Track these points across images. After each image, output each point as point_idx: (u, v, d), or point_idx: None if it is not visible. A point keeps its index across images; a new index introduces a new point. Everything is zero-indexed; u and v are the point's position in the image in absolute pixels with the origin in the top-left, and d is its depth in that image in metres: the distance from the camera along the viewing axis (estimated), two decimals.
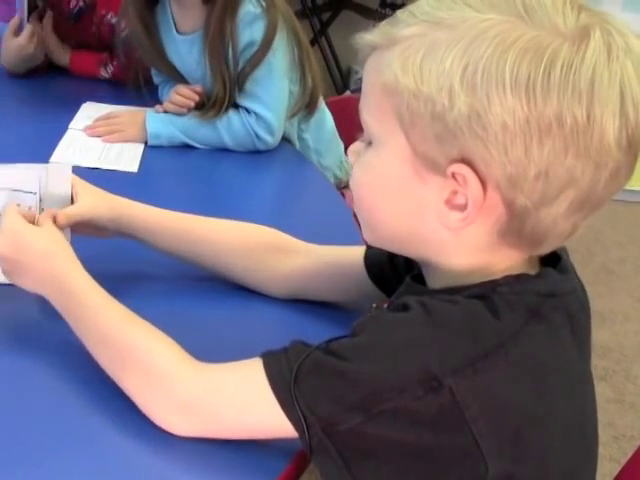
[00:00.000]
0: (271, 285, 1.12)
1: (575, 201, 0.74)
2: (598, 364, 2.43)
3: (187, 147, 1.72)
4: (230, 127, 1.71)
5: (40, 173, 1.08)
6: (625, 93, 0.71)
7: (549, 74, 0.70)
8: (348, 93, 3.58)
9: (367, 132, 0.80)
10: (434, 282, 0.83)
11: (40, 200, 1.06)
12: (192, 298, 1.14)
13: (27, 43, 1.97)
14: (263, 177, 1.66)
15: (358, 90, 0.82)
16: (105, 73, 2.05)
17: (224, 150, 1.72)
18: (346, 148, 1.83)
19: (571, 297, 0.81)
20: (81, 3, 2.05)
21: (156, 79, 1.89)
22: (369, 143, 0.80)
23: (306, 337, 0.82)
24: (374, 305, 0.93)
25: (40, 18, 2.05)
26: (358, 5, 3.97)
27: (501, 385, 0.74)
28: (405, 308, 0.77)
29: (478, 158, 0.72)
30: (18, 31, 1.98)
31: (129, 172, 1.59)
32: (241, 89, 1.72)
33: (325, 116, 1.90)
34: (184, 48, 1.78)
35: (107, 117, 1.77)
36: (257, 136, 1.71)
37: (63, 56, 2.09)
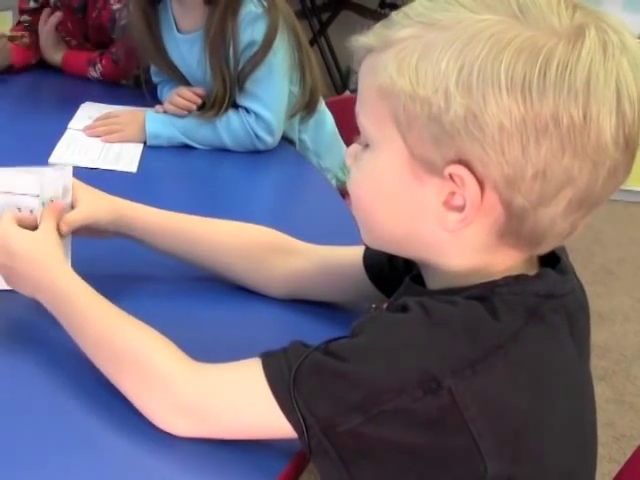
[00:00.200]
0: (270, 285, 1.12)
1: (573, 200, 0.74)
2: (598, 364, 2.43)
3: (186, 147, 1.72)
4: (229, 127, 1.71)
5: (41, 176, 1.07)
6: (621, 91, 0.71)
7: (545, 74, 0.70)
8: (348, 93, 3.58)
9: (364, 135, 0.80)
10: (433, 283, 0.83)
11: (43, 204, 1.05)
12: (191, 298, 1.14)
13: None
14: (263, 177, 1.66)
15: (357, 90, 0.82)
16: (94, 72, 2.05)
17: (224, 150, 1.72)
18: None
19: (570, 297, 0.81)
20: None
21: (155, 78, 1.89)
22: (366, 145, 0.80)
23: (305, 337, 0.82)
24: (373, 306, 0.92)
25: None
26: (357, 5, 3.97)
27: (500, 386, 0.74)
28: (404, 309, 0.77)
29: (475, 159, 0.72)
30: None
31: (128, 172, 1.59)
32: (241, 89, 1.72)
33: (325, 118, 1.90)
34: (185, 47, 1.78)
35: (106, 117, 1.77)
36: (256, 136, 1.71)
37: (57, 56, 2.10)
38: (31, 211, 1.04)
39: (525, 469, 0.76)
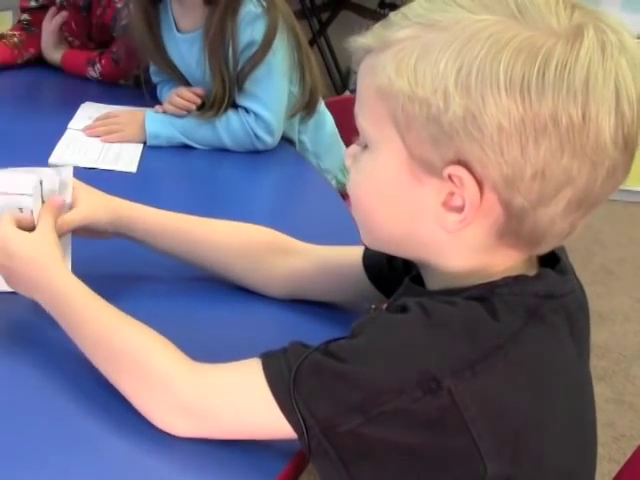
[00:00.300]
0: (270, 285, 1.12)
1: (573, 200, 0.74)
2: (597, 364, 2.43)
3: (186, 147, 1.72)
4: (229, 127, 1.71)
5: (41, 176, 1.07)
6: (620, 91, 0.71)
7: (543, 74, 0.70)
8: (347, 93, 3.58)
9: (363, 135, 0.80)
10: (433, 283, 0.83)
11: (43, 202, 1.05)
12: (191, 298, 1.14)
13: None
14: (262, 178, 1.66)
15: None
16: (93, 72, 2.05)
17: (223, 150, 1.72)
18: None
19: (570, 298, 0.81)
20: None
21: (155, 78, 1.89)
22: (365, 146, 0.80)
23: (304, 337, 0.82)
24: (373, 306, 0.93)
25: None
26: (357, 5, 3.97)
27: (500, 386, 0.74)
28: (404, 309, 0.77)
29: (474, 159, 0.72)
30: None
31: (128, 172, 1.59)
32: (240, 89, 1.72)
33: (325, 119, 1.90)
34: (184, 47, 1.78)
35: (106, 117, 1.77)
36: (256, 136, 1.71)
37: (57, 55, 2.10)
38: (32, 212, 1.03)
39: (525, 469, 0.76)
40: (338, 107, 1.92)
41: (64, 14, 2.08)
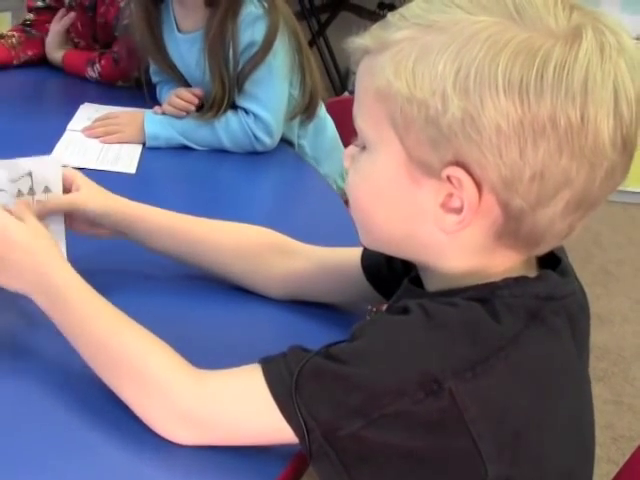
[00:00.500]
0: (269, 286, 1.12)
1: (571, 201, 0.74)
2: (596, 366, 2.43)
3: (185, 148, 1.72)
4: (228, 128, 1.71)
5: (32, 166, 1.09)
6: (619, 92, 0.71)
7: (542, 75, 0.70)
8: (346, 94, 3.58)
9: (361, 137, 0.80)
10: (432, 284, 0.83)
11: (34, 193, 1.07)
12: (189, 299, 1.13)
13: None
14: (261, 179, 1.66)
15: None
16: (92, 72, 2.05)
17: (223, 151, 1.72)
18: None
19: (571, 299, 0.81)
20: None
21: (155, 78, 1.89)
22: (363, 147, 0.80)
23: (303, 338, 0.82)
24: (373, 308, 0.92)
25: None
26: (356, 6, 3.97)
27: (500, 388, 0.74)
28: (405, 311, 0.77)
29: (473, 161, 0.72)
30: None
31: (127, 173, 1.59)
32: (240, 90, 1.72)
33: (326, 124, 1.90)
34: (184, 47, 1.78)
35: (105, 118, 1.77)
36: (255, 137, 1.71)
37: (59, 55, 2.10)
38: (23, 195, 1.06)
39: (525, 470, 0.76)
40: (337, 108, 1.92)
41: (72, 15, 2.09)
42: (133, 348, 0.86)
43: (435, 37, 0.73)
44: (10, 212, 0.98)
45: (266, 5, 1.68)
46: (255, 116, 1.70)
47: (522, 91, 0.70)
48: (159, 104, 1.80)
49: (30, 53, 2.12)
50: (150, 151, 1.69)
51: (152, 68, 1.88)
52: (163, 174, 1.68)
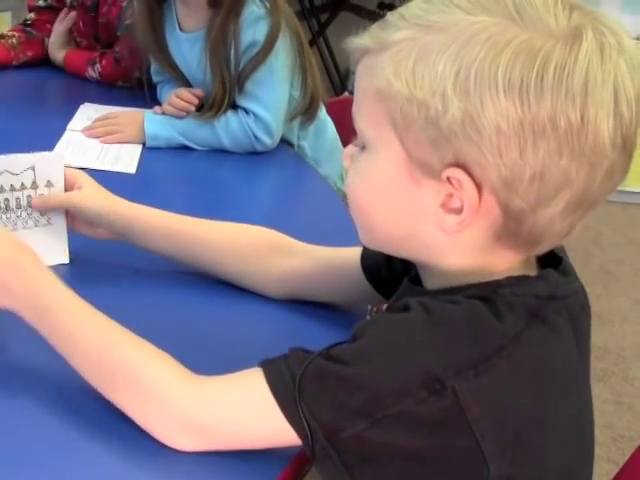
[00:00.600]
0: (268, 285, 1.12)
1: (571, 201, 0.74)
2: (596, 365, 2.43)
3: (185, 149, 1.72)
4: (228, 128, 1.71)
5: (35, 160, 1.12)
6: (619, 93, 0.71)
7: (542, 76, 0.70)
8: (346, 94, 3.58)
9: (361, 136, 0.80)
10: (432, 283, 0.83)
11: (37, 187, 1.10)
12: (190, 299, 1.13)
13: None
14: (261, 179, 1.66)
15: None
16: (93, 72, 2.05)
17: (222, 152, 1.72)
18: None
19: (573, 299, 0.81)
20: None
21: (155, 78, 1.89)
22: (363, 147, 0.80)
23: (303, 338, 0.82)
24: (373, 308, 0.92)
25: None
26: (356, 6, 3.97)
27: (502, 387, 0.74)
28: (405, 309, 0.77)
29: (473, 162, 0.72)
30: None
31: (127, 173, 1.59)
32: (241, 89, 1.72)
33: (326, 126, 1.90)
34: (186, 46, 1.78)
35: (105, 118, 1.78)
36: (255, 137, 1.71)
37: (60, 55, 2.10)
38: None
39: (526, 469, 0.76)
40: (337, 108, 1.92)
41: (73, 15, 2.09)
42: (130, 359, 0.84)
43: (435, 37, 0.73)
44: None
45: (268, 5, 1.69)
46: (255, 116, 1.70)
47: (522, 92, 0.70)
48: (160, 104, 1.81)
49: (30, 54, 2.12)
50: (150, 151, 1.70)
51: (153, 68, 1.88)
52: (163, 174, 1.68)
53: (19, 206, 1.13)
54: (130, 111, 1.81)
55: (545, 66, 0.70)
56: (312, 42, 3.79)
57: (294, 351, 0.80)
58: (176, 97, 1.75)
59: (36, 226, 1.15)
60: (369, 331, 0.78)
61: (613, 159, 0.73)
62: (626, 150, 0.73)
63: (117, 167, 1.61)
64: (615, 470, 1.08)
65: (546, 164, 0.71)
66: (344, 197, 0.84)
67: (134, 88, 1.98)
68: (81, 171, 1.17)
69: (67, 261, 1.18)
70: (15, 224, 1.14)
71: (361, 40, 0.78)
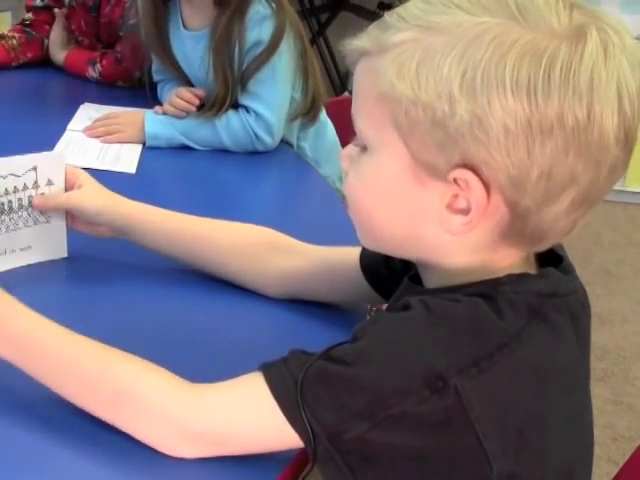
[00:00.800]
0: (267, 285, 1.12)
1: (576, 198, 0.74)
2: (597, 365, 2.43)
3: (185, 149, 1.72)
4: (229, 127, 1.71)
5: (37, 161, 1.12)
6: (622, 90, 0.72)
7: (549, 75, 0.70)
8: (346, 94, 3.58)
9: (362, 138, 0.79)
10: (431, 281, 0.83)
11: (38, 186, 1.10)
12: (189, 298, 1.13)
13: None
14: (261, 179, 1.66)
15: None
16: (93, 72, 2.05)
17: (223, 151, 1.72)
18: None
19: (573, 297, 0.81)
20: None
21: (156, 77, 1.89)
22: (364, 148, 0.79)
23: (303, 337, 0.82)
24: (373, 308, 0.92)
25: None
26: (356, 6, 3.97)
27: (504, 385, 0.74)
28: (406, 308, 0.77)
29: (481, 162, 0.72)
30: None
31: (127, 173, 1.59)
32: (243, 88, 1.72)
33: (326, 127, 1.90)
34: (189, 44, 1.78)
35: (106, 118, 1.78)
36: (256, 136, 1.71)
37: (61, 55, 2.10)
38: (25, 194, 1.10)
39: (527, 467, 0.76)
40: (337, 108, 1.92)
41: (64, 11, 2.08)
42: (121, 376, 0.82)
43: (437, 39, 0.72)
44: None
45: (274, 5, 1.69)
46: (257, 115, 1.70)
47: (530, 91, 0.70)
48: (160, 103, 1.80)
49: (30, 55, 2.12)
50: (150, 151, 1.69)
51: (154, 67, 1.88)
52: (163, 174, 1.68)
53: (21, 206, 1.14)
54: (131, 111, 1.81)
55: (552, 65, 0.70)
56: (312, 42, 3.78)
57: (294, 353, 0.80)
58: (177, 97, 1.75)
59: (35, 224, 1.16)
60: (370, 331, 0.78)
61: (616, 155, 0.73)
62: (628, 145, 0.74)
63: (117, 167, 1.61)
64: (615, 470, 1.08)
65: (553, 162, 0.71)
66: (343, 198, 0.84)
67: (134, 88, 1.98)
68: (81, 170, 1.17)
69: (65, 255, 1.19)
70: (17, 224, 1.15)
71: (359, 42, 0.78)
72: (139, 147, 1.70)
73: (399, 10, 0.77)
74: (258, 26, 1.68)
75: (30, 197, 1.13)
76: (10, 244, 1.15)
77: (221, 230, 1.14)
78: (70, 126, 1.76)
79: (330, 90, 3.76)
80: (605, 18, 0.74)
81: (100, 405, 0.84)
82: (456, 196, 0.74)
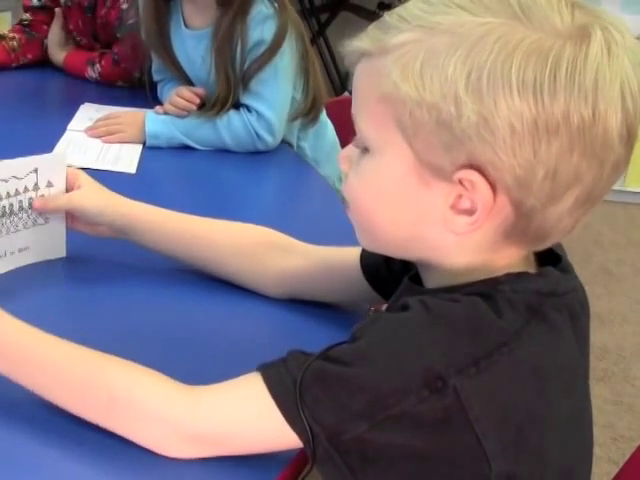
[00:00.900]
0: (267, 284, 1.12)
1: (580, 197, 0.74)
2: (597, 365, 2.43)
3: (186, 148, 1.72)
4: (230, 126, 1.71)
5: (38, 163, 1.12)
6: (625, 89, 0.72)
7: (555, 75, 0.70)
8: (346, 94, 3.58)
9: (363, 139, 0.79)
10: (432, 281, 0.83)
11: (38, 187, 1.10)
12: (189, 298, 1.13)
13: None
14: (262, 179, 1.66)
15: None
16: (92, 72, 2.05)
17: (223, 151, 1.72)
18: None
19: (572, 296, 0.81)
20: None
21: (156, 76, 1.89)
22: (365, 149, 0.79)
23: (303, 337, 0.82)
24: (373, 308, 0.92)
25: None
26: (356, 6, 3.97)
27: (503, 384, 0.74)
28: (405, 308, 0.77)
29: (487, 163, 0.72)
30: None
31: (127, 173, 1.59)
32: (245, 88, 1.72)
33: (326, 126, 1.90)
34: (191, 43, 1.78)
35: (107, 118, 1.78)
36: (257, 135, 1.71)
37: (61, 56, 2.10)
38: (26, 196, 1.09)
39: (527, 467, 0.76)
40: (337, 108, 1.92)
41: (59, 11, 2.08)
42: (117, 382, 0.82)
43: (440, 39, 0.72)
44: None
45: (276, 5, 1.69)
46: (258, 114, 1.70)
47: (536, 91, 0.70)
48: (160, 103, 1.80)
49: (30, 56, 2.12)
50: (150, 151, 1.69)
51: (154, 66, 1.88)
52: (163, 174, 1.68)
53: (21, 208, 1.14)
54: (132, 111, 1.81)
55: (558, 65, 0.70)
56: (312, 42, 3.78)
57: (292, 353, 0.80)
58: (177, 96, 1.75)
59: (34, 225, 1.16)
60: (369, 331, 0.78)
61: (619, 153, 0.74)
62: (630, 142, 0.74)
63: (117, 167, 1.61)
64: (615, 470, 1.08)
65: (559, 161, 0.72)
66: (343, 198, 0.84)
67: (134, 88, 1.98)
68: (81, 170, 1.17)
69: (64, 255, 1.19)
70: (17, 226, 1.15)
71: (359, 42, 0.77)
72: (139, 147, 1.70)
73: (399, 10, 0.76)
74: (260, 25, 1.68)
75: (30, 199, 1.14)
76: (10, 246, 1.15)
77: (221, 230, 1.14)
78: (70, 126, 1.76)
79: (330, 90, 3.76)
80: (607, 17, 0.74)
81: (96, 412, 0.83)
82: (460, 196, 0.74)
